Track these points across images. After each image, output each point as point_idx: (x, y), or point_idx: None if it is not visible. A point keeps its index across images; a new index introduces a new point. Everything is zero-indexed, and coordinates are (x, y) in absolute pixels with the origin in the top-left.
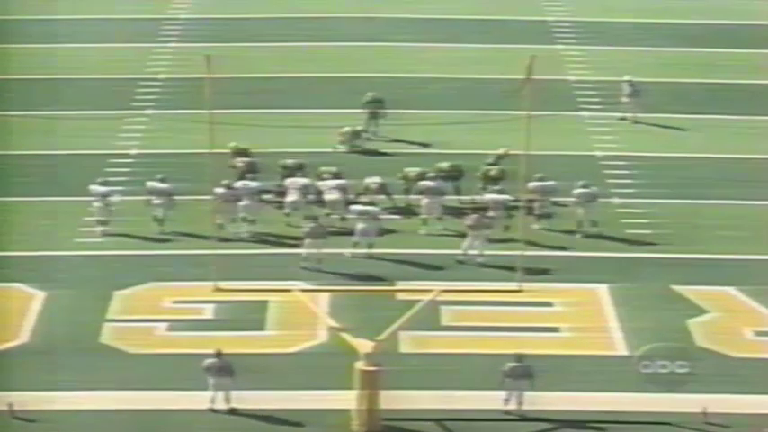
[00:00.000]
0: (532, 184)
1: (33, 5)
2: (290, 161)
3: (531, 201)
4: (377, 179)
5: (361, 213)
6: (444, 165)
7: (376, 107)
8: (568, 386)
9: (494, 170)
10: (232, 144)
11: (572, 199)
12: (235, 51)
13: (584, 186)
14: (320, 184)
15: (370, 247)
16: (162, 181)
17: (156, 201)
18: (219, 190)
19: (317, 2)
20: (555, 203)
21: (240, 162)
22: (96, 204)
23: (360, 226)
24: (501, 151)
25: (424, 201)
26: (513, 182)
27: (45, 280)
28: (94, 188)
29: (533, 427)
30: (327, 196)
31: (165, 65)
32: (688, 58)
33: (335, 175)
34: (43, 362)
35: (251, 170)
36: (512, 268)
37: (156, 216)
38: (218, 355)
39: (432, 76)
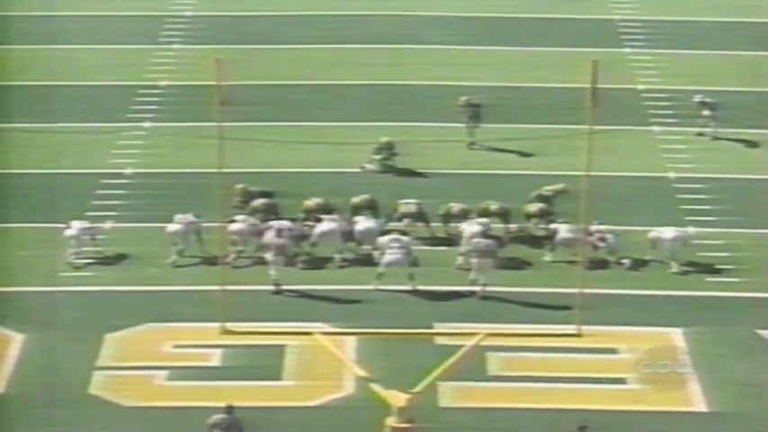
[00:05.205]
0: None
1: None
2: (312, 202)
3: (590, 233)
4: (412, 202)
5: (389, 243)
6: (494, 206)
7: (474, 112)
8: None
9: (535, 208)
10: (240, 186)
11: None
12: (247, 54)
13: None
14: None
15: (412, 278)
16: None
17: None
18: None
19: None
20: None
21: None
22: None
23: (388, 257)
24: (560, 187)
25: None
26: (570, 201)
27: (24, 321)
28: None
29: None
30: (359, 226)
31: (166, 70)
32: None
33: (370, 205)
34: (22, 416)
35: (271, 211)
36: (568, 308)
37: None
38: (229, 409)
39: (476, 84)
